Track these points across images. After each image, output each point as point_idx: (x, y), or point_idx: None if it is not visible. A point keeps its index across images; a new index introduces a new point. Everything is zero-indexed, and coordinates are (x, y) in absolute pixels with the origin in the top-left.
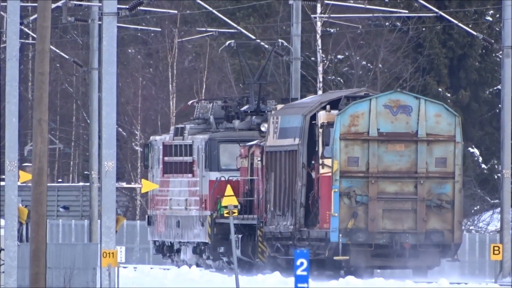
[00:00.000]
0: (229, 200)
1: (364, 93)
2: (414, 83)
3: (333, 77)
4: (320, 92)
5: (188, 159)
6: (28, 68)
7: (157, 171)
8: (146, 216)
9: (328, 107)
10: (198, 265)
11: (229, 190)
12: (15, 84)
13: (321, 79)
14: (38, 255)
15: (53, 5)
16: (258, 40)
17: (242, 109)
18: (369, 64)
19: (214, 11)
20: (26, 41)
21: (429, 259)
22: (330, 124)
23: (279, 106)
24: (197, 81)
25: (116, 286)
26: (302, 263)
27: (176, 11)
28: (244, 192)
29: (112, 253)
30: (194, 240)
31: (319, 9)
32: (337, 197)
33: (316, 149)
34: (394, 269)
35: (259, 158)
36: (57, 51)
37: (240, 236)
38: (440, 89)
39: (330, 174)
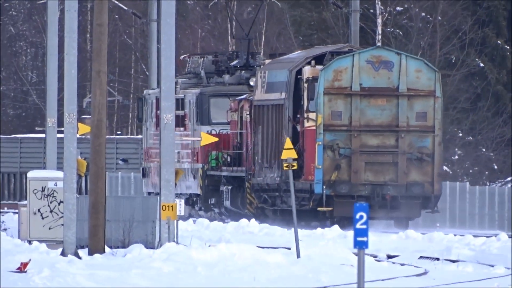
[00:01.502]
0: (288, 153)
1: (348, 48)
2: (473, 35)
3: (392, 29)
4: (379, 44)
5: (180, 113)
6: (87, 20)
7: (150, 124)
8: (141, 169)
9: (313, 62)
10: (190, 216)
11: (288, 143)
12: (74, 35)
13: (380, 32)
14: (97, 207)
15: None
16: None
17: (232, 63)
18: (428, 16)
19: None
20: None
21: (410, 211)
22: (315, 79)
23: (267, 61)
24: (256, 33)
25: (175, 239)
26: (361, 216)
27: None
28: (234, 145)
29: (171, 206)
30: (187, 192)
31: None
32: (321, 150)
33: (302, 103)
34: (376, 220)
35: (248, 112)
36: (116, 2)
37: (229, 187)
38: (499, 41)
39: (314, 127)
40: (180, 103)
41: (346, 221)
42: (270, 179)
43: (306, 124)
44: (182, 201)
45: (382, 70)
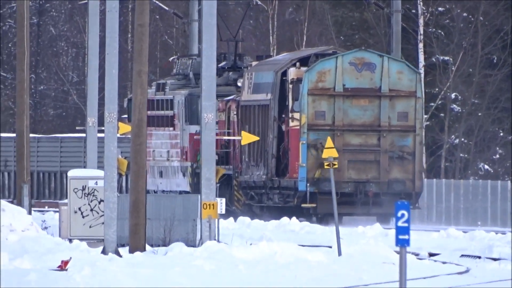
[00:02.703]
0: (329, 152)
1: (332, 51)
2: None
3: (434, 29)
4: (421, 44)
5: (169, 113)
6: (128, 20)
7: None
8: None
9: (298, 64)
10: None
11: (329, 142)
12: (115, 35)
13: (421, 32)
14: (138, 206)
15: None
16: None
17: (220, 65)
18: (470, 16)
19: None
20: None
21: (392, 207)
22: (300, 80)
23: (254, 63)
24: (297, 33)
25: (216, 238)
26: (403, 215)
27: None
28: (221, 144)
29: (213, 204)
30: (177, 189)
31: None
32: (305, 149)
33: (287, 104)
34: (358, 216)
35: (235, 112)
36: (157, 2)
37: (218, 185)
38: None
39: (298, 127)
40: (169, 104)
41: (329, 218)
42: (256, 177)
43: (291, 124)
44: (223, 199)
45: (365, 71)
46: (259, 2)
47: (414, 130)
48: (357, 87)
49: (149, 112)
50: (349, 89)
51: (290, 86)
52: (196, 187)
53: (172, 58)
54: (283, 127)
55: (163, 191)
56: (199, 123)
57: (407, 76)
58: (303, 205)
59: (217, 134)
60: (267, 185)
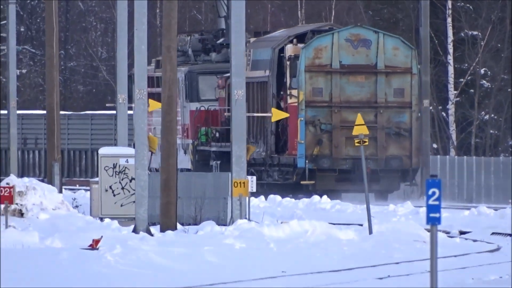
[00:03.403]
0: (360, 129)
1: (329, 27)
2: None
3: (462, 3)
4: (449, 19)
5: None
6: None
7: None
8: (133, 144)
9: (295, 40)
10: None
11: (359, 119)
12: (143, 11)
13: (450, 6)
14: (169, 184)
15: None
16: None
17: (218, 41)
18: None
19: None
20: None
21: (389, 183)
22: (297, 57)
23: (253, 39)
24: (325, 8)
25: (247, 216)
26: (434, 193)
27: None
28: (222, 121)
29: (243, 182)
30: (178, 167)
31: None
32: (303, 126)
33: (284, 81)
34: (356, 193)
35: None
36: None
37: (219, 162)
38: None
39: (296, 104)
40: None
41: (329, 193)
42: (256, 154)
43: (289, 101)
44: (254, 177)
45: (361, 48)
46: None
47: (410, 106)
48: (353, 63)
49: (149, 89)
50: (346, 66)
51: (288, 63)
52: (197, 165)
53: None
54: (282, 104)
55: None
56: (199, 100)
57: (403, 52)
58: (302, 182)
59: (218, 111)
60: (267, 162)
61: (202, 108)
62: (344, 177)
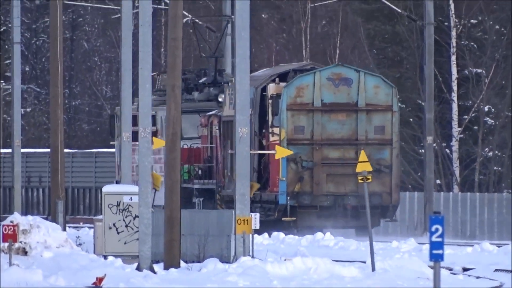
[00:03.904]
0: (363, 166)
1: (311, 66)
2: None
3: (466, 42)
4: (453, 57)
5: (152, 128)
6: (161, 34)
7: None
8: (115, 181)
9: (277, 79)
10: None
11: (363, 156)
12: (148, 50)
13: (454, 44)
14: (173, 222)
15: None
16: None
17: (201, 81)
18: (502, 29)
19: None
20: (159, 6)
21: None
22: (279, 96)
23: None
24: (330, 47)
25: (250, 253)
26: (437, 229)
27: None
28: (204, 158)
29: (247, 220)
30: (161, 204)
31: None
32: (285, 163)
33: (266, 119)
34: (338, 229)
35: (217, 127)
36: (190, 16)
37: (201, 199)
38: None
39: (278, 141)
40: (151, 120)
41: (309, 231)
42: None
43: (271, 138)
44: (257, 215)
45: (342, 86)
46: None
47: (390, 143)
48: (335, 102)
49: (133, 128)
50: (327, 104)
51: (270, 101)
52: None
53: (152, 74)
54: (264, 142)
55: None
56: (182, 138)
57: (384, 90)
58: (283, 218)
59: (200, 149)
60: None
61: (185, 146)
62: (325, 213)
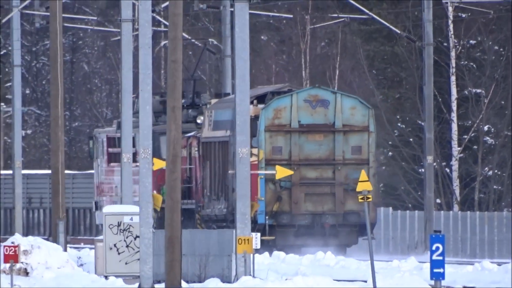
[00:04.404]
0: (364, 185)
1: (288, 88)
2: None
3: (466, 62)
4: (453, 77)
5: (132, 150)
6: (161, 56)
7: (102, 161)
8: (93, 202)
9: (255, 101)
10: None
11: (363, 175)
12: (148, 72)
13: (453, 65)
14: (173, 242)
15: None
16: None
17: None
18: (501, 49)
19: None
20: (158, 28)
21: (348, 238)
22: (257, 117)
23: (213, 101)
24: (330, 68)
25: (251, 273)
26: (438, 248)
27: None
28: (184, 179)
29: (247, 239)
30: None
31: None
32: (263, 183)
33: None
34: (316, 247)
35: (196, 148)
36: (189, 38)
37: (181, 219)
38: None
39: (257, 162)
40: (132, 141)
41: (288, 249)
42: (218, 211)
43: (250, 159)
44: (258, 234)
45: (319, 108)
46: (215, 42)
47: (367, 163)
48: (312, 123)
49: (110, 149)
50: (305, 125)
51: None
52: (160, 222)
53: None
54: None
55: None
56: (162, 159)
57: (360, 111)
58: (262, 237)
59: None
60: (228, 218)
61: (164, 167)
62: (303, 232)
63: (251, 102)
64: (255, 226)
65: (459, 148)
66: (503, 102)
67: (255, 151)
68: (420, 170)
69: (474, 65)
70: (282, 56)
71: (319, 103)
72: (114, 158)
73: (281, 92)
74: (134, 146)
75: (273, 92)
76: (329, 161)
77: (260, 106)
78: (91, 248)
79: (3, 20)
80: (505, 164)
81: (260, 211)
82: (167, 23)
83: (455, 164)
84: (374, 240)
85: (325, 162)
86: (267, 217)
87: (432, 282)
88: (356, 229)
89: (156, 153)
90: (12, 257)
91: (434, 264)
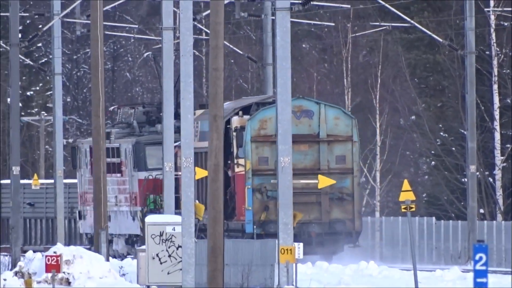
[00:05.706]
0: (407, 195)
1: (272, 99)
2: None
3: (508, 71)
4: (495, 86)
5: (116, 160)
6: (202, 65)
7: (85, 171)
8: (77, 212)
9: (240, 112)
10: (129, 254)
11: (406, 185)
12: (190, 80)
13: (496, 73)
14: (216, 251)
15: (226, 1)
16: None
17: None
18: None
19: (387, 5)
20: (200, 37)
21: (334, 246)
22: (243, 128)
23: (198, 112)
24: (371, 76)
25: (294, 283)
26: (481, 258)
27: (349, 6)
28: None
29: (290, 249)
30: (126, 232)
31: (492, 3)
32: (250, 193)
33: (231, 150)
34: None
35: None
36: (231, 46)
37: None
38: None
39: (243, 172)
40: (115, 151)
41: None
42: (206, 220)
43: (236, 170)
44: (301, 244)
45: (304, 118)
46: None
47: (352, 172)
48: (297, 133)
49: (92, 159)
50: None
51: (234, 133)
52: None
53: (112, 107)
54: (229, 173)
55: (111, 234)
56: (147, 169)
57: (344, 121)
58: None
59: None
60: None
61: (150, 177)
62: None
63: (237, 113)
64: (243, 235)
65: (502, 157)
66: None
67: (242, 161)
68: (463, 179)
69: None
70: (323, 64)
71: (304, 113)
72: (108, 168)
73: (266, 103)
74: (119, 156)
75: (258, 103)
76: (314, 170)
77: (246, 117)
78: (133, 258)
79: (44, 28)
80: None
81: (247, 220)
82: (208, 31)
83: (498, 173)
84: (359, 247)
85: (311, 172)
86: (254, 227)
87: None
88: (342, 237)
89: (142, 163)
90: (54, 267)
91: (478, 274)
